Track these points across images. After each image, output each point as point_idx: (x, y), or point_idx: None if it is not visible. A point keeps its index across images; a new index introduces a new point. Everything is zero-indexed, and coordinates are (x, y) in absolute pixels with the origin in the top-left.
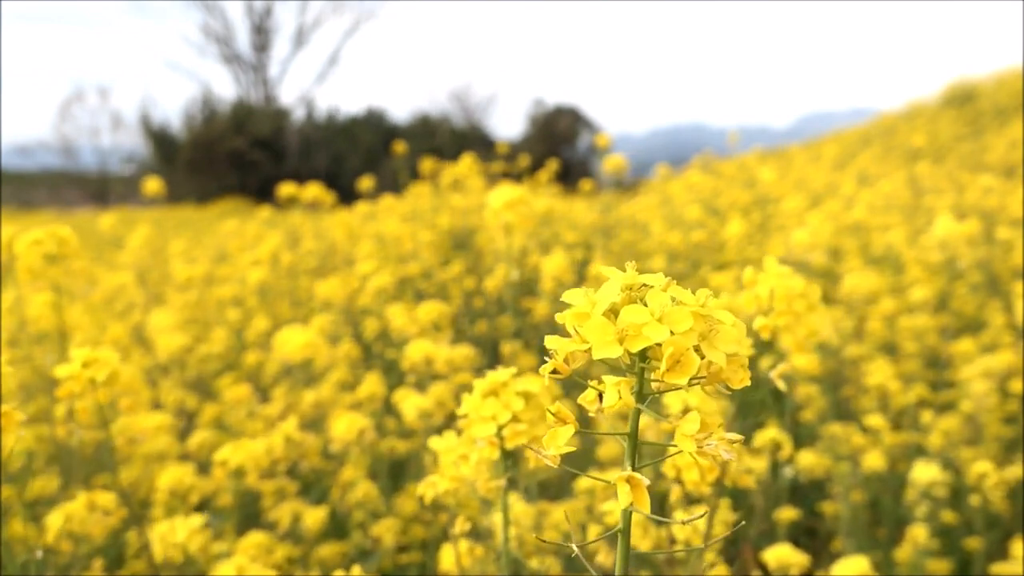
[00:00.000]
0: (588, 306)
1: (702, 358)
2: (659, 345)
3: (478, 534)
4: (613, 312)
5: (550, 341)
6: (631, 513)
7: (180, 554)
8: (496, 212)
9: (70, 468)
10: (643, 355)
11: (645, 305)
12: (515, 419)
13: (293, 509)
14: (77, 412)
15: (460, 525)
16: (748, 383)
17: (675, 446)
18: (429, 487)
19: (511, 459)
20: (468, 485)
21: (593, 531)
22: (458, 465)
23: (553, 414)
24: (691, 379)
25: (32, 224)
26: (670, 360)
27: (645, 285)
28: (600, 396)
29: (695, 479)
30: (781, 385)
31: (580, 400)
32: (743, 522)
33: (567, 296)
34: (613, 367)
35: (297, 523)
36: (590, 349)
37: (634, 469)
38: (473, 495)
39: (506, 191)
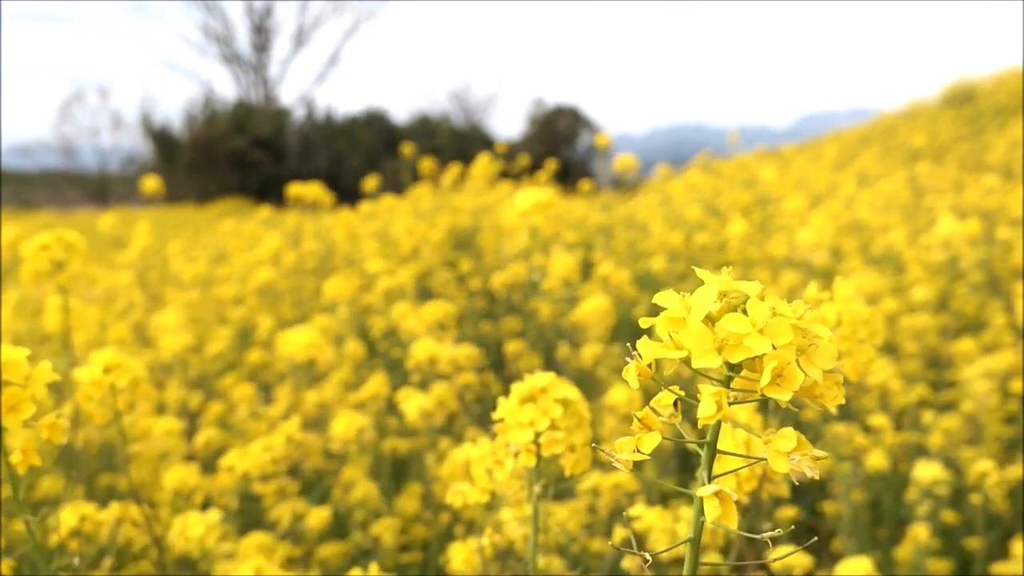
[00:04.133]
0: (684, 311)
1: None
2: (757, 357)
3: (479, 532)
4: (710, 319)
5: (641, 345)
6: (703, 523)
7: (198, 548)
8: (524, 214)
9: (75, 468)
10: (731, 365)
11: (744, 314)
12: (553, 426)
13: (294, 509)
14: (92, 416)
15: (488, 536)
16: (842, 401)
17: (756, 459)
18: (457, 495)
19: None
20: (494, 494)
21: (597, 530)
22: (492, 472)
23: (639, 420)
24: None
25: (32, 224)
26: (772, 373)
27: (739, 292)
28: (675, 402)
29: (732, 487)
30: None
31: (653, 404)
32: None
33: (660, 299)
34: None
35: (298, 523)
36: (688, 357)
37: (709, 480)
38: (495, 501)
39: (534, 193)
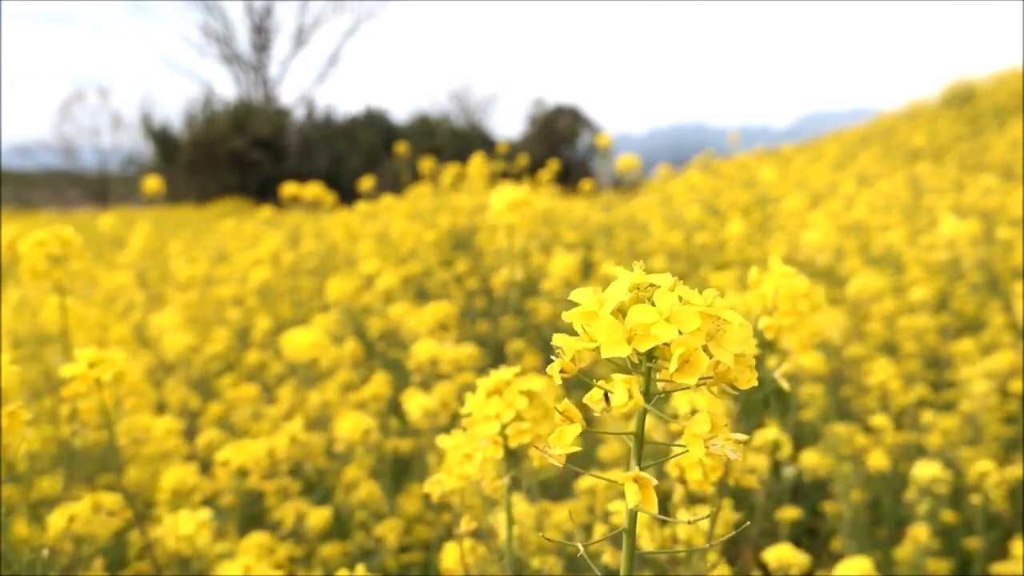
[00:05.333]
0: (596, 305)
1: (710, 358)
2: (667, 345)
3: (479, 533)
4: (621, 311)
5: (558, 339)
6: (636, 513)
7: (188, 547)
8: (499, 213)
9: (74, 468)
10: (650, 355)
11: (653, 305)
12: (519, 418)
13: (296, 509)
14: (81, 412)
15: (466, 524)
16: (755, 383)
17: (681, 446)
18: (435, 485)
19: (514, 458)
20: (473, 484)
21: (598, 530)
22: (463, 464)
23: (560, 412)
24: (699, 379)
25: (32, 224)
26: (680, 360)
27: (652, 285)
28: (606, 395)
29: (698, 479)
30: (784, 384)
31: (586, 399)
32: (747, 523)
33: (575, 295)
34: (618, 366)
35: (300, 523)
36: (598, 348)
37: (640, 469)
38: (478, 494)
39: (509, 192)
